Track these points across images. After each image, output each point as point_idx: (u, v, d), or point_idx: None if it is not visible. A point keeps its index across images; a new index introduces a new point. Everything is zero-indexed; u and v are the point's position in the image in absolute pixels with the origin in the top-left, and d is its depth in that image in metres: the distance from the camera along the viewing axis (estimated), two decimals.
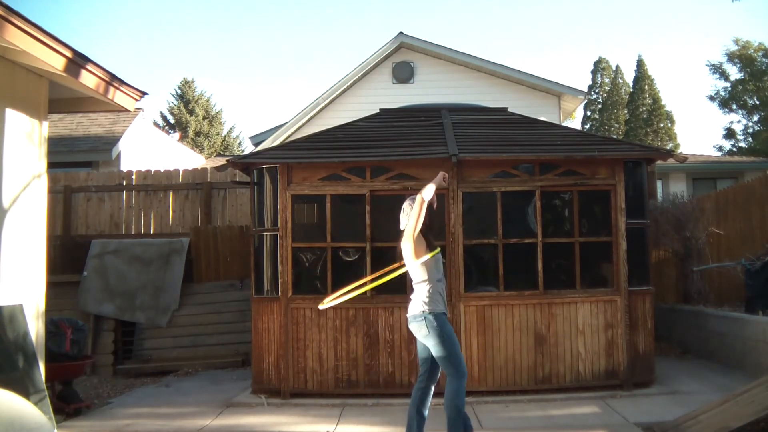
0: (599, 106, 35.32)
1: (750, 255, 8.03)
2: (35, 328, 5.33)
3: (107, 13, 56.03)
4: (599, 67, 36.17)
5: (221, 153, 30.49)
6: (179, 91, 33.84)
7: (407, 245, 4.36)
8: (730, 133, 29.42)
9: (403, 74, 13.77)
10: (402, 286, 5.88)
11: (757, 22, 45.69)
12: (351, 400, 6.29)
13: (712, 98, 28.97)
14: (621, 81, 35.42)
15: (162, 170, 10.64)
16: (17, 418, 3.68)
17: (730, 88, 28.27)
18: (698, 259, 8.77)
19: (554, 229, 6.69)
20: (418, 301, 4.36)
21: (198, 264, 9.44)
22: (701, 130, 53.47)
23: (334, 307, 6.50)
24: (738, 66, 27.64)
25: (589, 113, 35.37)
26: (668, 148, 28.11)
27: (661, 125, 32.13)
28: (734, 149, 28.81)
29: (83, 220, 10.31)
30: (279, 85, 60.08)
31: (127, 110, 6.24)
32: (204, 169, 10.69)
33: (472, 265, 6.60)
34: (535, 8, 57.85)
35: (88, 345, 8.24)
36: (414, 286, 4.45)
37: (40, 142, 5.60)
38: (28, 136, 5.43)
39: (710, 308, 8.17)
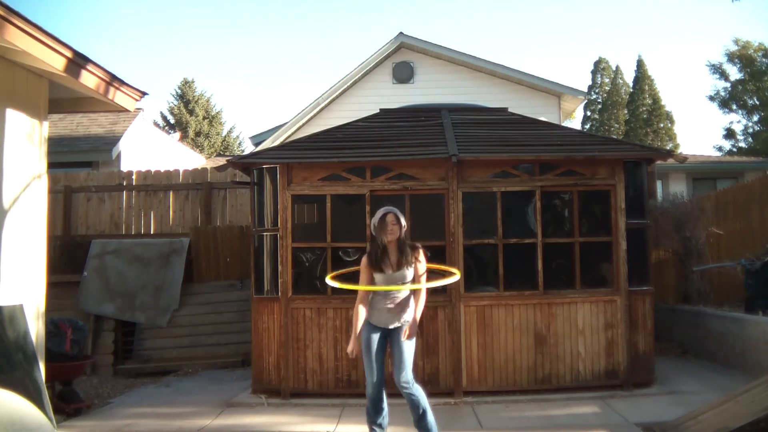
0: (599, 106, 35.32)
1: (750, 255, 8.02)
2: (35, 328, 5.33)
3: (107, 13, 56.09)
4: (599, 67, 36.18)
5: (221, 153, 30.48)
6: (179, 91, 33.83)
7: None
8: (730, 133, 29.41)
9: (403, 74, 13.77)
10: None
11: (757, 22, 45.76)
12: (351, 400, 6.28)
13: (712, 98, 28.96)
14: (621, 81, 35.41)
15: (162, 170, 10.65)
16: (17, 418, 3.68)
17: (730, 88, 28.24)
18: (698, 259, 8.76)
19: (554, 229, 6.69)
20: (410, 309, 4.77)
21: (198, 264, 9.45)
22: (701, 130, 53.53)
23: (334, 307, 6.54)
24: (738, 66, 27.63)
25: (589, 113, 35.38)
26: (668, 148, 28.13)
27: (661, 125, 32.11)
28: (734, 149, 28.79)
29: (83, 220, 10.31)
30: (279, 85, 60.14)
31: (127, 110, 6.24)
32: (204, 169, 10.69)
33: (472, 265, 6.60)
34: (535, 8, 57.89)
35: (88, 345, 8.25)
36: (403, 298, 4.78)
37: (40, 143, 5.60)
38: (28, 136, 5.43)
39: (710, 308, 8.16)
